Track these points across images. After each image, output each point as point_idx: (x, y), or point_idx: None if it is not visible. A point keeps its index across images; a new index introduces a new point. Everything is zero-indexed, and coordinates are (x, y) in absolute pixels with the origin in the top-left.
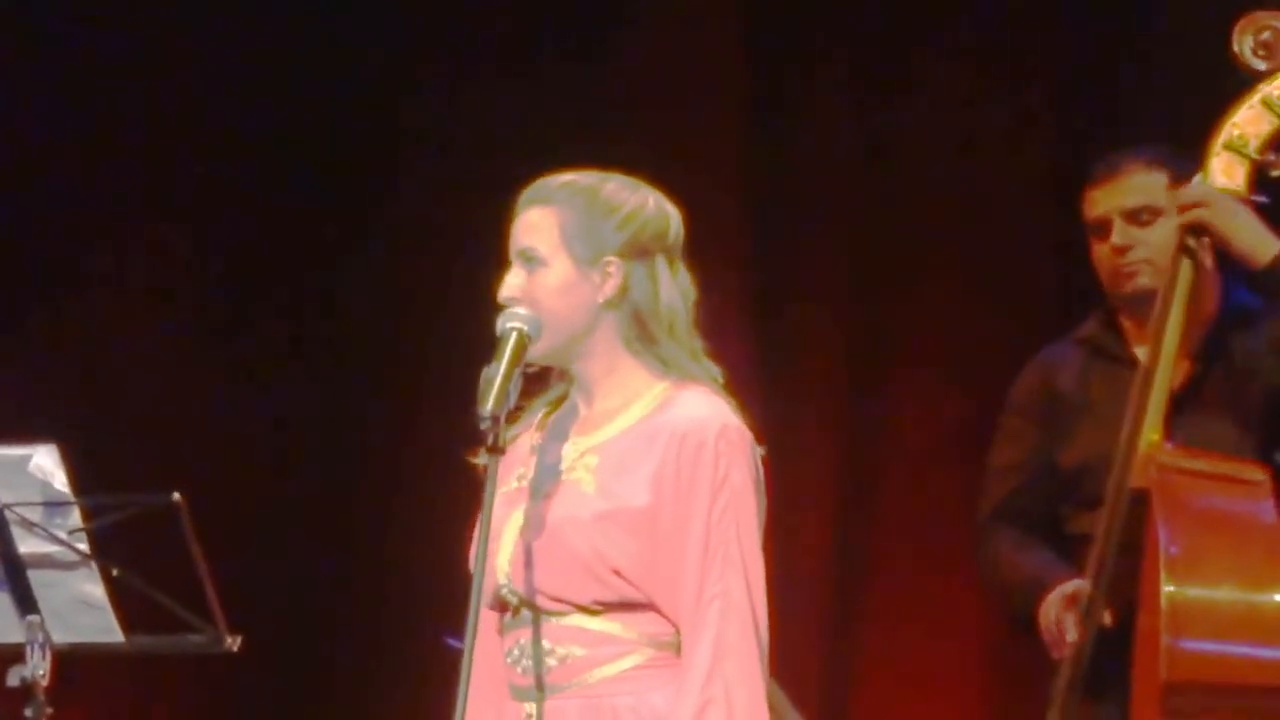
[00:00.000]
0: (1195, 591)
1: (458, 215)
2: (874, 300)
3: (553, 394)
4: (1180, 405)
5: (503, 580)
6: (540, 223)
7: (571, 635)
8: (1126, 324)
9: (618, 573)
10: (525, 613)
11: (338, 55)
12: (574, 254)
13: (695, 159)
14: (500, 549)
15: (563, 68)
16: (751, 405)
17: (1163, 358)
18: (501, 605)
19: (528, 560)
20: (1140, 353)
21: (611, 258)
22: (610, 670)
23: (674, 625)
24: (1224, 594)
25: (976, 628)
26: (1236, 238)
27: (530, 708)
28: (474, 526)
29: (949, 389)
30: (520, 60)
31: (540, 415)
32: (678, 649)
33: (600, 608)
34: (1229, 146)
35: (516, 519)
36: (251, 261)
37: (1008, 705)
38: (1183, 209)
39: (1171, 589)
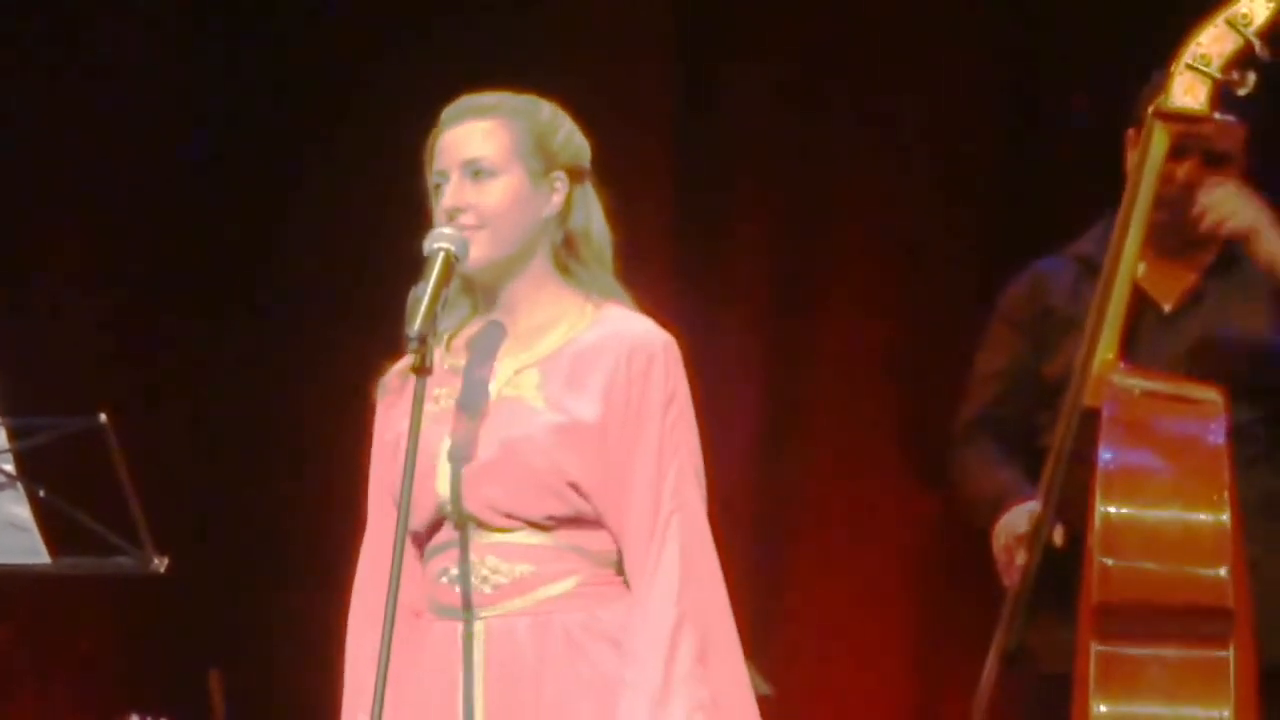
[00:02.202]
0: (1130, 510)
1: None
2: (797, 230)
3: (455, 315)
4: (1175, 319)
5: (445, 498)
6: (487, 134)
7: (519, 553)
8: None
9: (574, 486)
10: (467, 530)
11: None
12: (527, 166)
13: (622, 94)
14: (438, 469)
15: (489, 20)
16: (679, 324)
17: (1119, 276)
18: (435, 524)
19: (476, 477)
20: (1142, 275)
21: (559, 173)
22: (556, 589)
23: (615, 542)
24: (1159, 514)
25: (906, 544)
26: (1266, 248)
27: (474, 626)
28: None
29: (873, 307)
30: (448, 13)
31: (447, 337)
32: (618, 567)
33: (551, 523)
34: (1191, 66)
35: (452, 438)
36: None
37: (939, 622)
38: (1210, 225)
39: (1107, 508)
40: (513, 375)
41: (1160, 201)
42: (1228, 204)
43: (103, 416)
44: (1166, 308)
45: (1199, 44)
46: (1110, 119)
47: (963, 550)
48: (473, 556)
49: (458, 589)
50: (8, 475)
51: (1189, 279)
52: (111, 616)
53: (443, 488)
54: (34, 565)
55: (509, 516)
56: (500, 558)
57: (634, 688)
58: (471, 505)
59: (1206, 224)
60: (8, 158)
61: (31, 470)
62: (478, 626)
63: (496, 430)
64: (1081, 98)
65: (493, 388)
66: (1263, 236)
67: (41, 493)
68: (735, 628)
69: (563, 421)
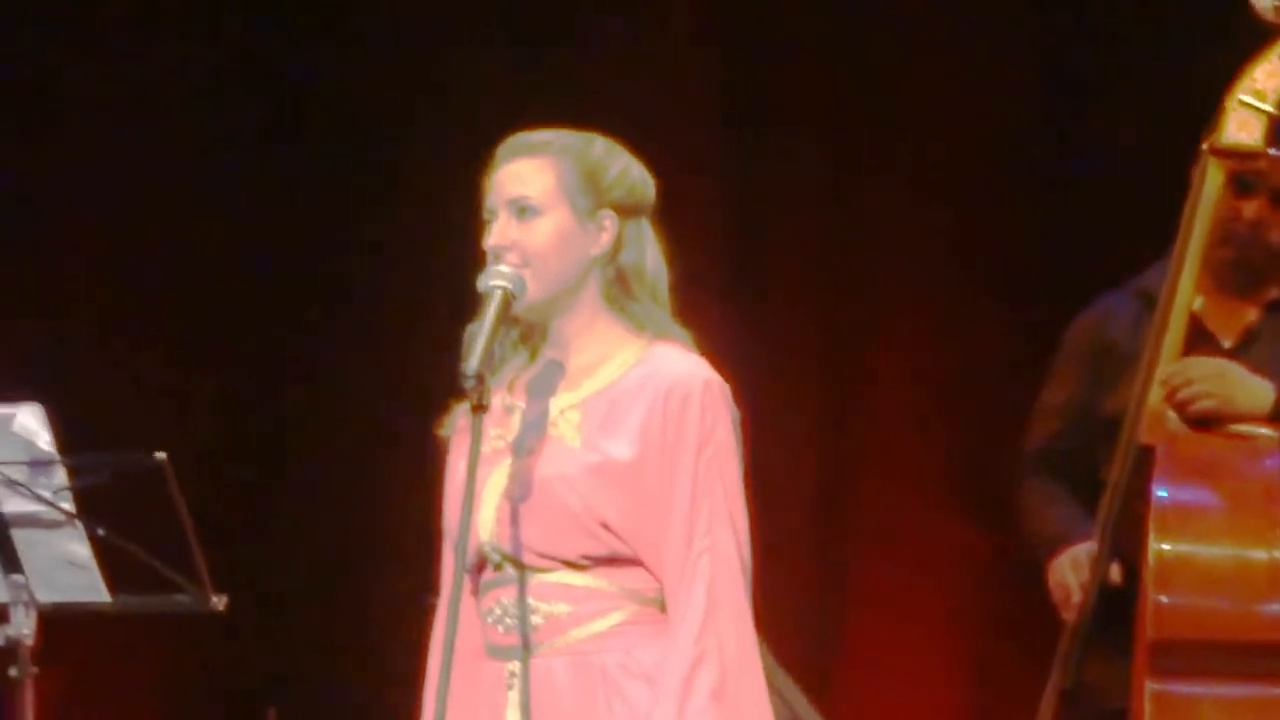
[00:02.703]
0: (1184, 547)
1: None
2: (855, 260)
3: (518, 358)
4: (1233, 356)
5: (486, 538)
6: (534, 172)
7: (557, 592)
8: None
9: (606, 526)
10: (508, 571)
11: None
12: (573, 205)
13: (671, 130)
14: (481, 507)
15: (535, 52)
16: (732, 363)
17: (1174, 312)
18: (480, 564)
19: (514, 517)
20: (1200, 309)
21: (608, 211)
22: (596, 627)
23: (657, 580)
24: (1214, 550)
25: (954, 584)
26: (1238, 404)
27: (513, 666)
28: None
29: (932, 346)
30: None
31: (510, 377)
32: (661, 605)
33: (587, 563)
34: (1245, 102)
35: (499, 477)
36: (239, 218)
37: (1002, 649)
38: (1178, 402)
39: (1160, 545)
40: (558, 415)
41: (1226, 239)
42: (1205, 384)
43: (162, 455)
44: (1226, 344)
45: (1254, 79)
46: (1164, 149)
47: (1021, 586)
48: (513, 596)
49: (502, 629)
50: (66, 514)
51: (1250, 316)
52: (169, 655)
53: (484, 527)
54: (93, 603)
55: (545, 556)
56: (538, 598)
57: None
58: (509, 545)
59: (1184, 395)
60: (48, 184)
61: (89, 508)
62: (520, 667)
63: (536, 470)
64: (1131, 125)
65: (544, 427)
66: (1228, 395)
67: (100, 531)
68: (759, 665)
69: (597, 461)
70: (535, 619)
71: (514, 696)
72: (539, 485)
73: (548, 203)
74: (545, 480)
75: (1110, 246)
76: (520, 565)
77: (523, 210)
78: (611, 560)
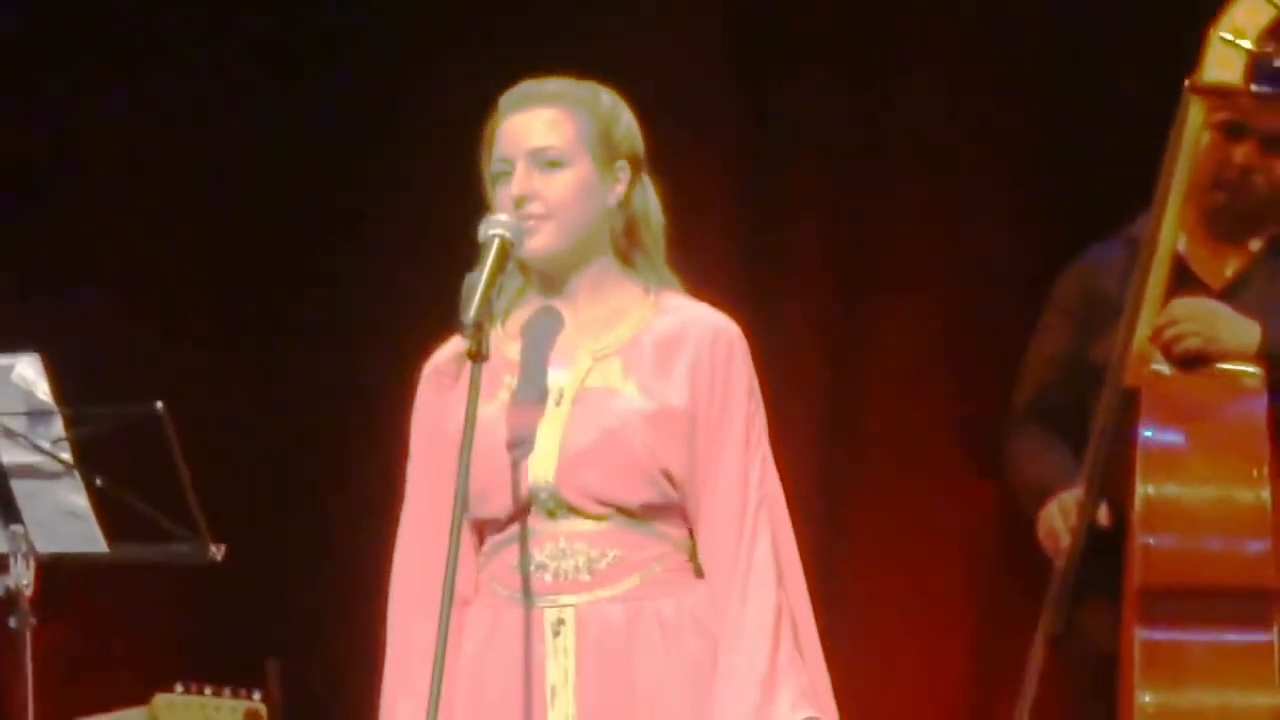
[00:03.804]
0: (1170, 489)
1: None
2: (853, 224)
3: (508, 294)
4: (1221, 300)
5: (542, 485)
6: (553, 123)
7: (612, 539)
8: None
9: (666, 473)
10: (562, 517)
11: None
12: (594, 156)
13: (679, 89)
14: (535, 456)
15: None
16: (738, 318)
17: (1157, 256)
18: (518, 512)
19: (572, 465)
20: (1188, 252)
21: (622, 163)
22: (646, 575)
23: (689, 528)
24: (1199, 492)
25: (963, 537)
26: (1224, 343)
27: (563, 613)
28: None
29: (932, 306)
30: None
31: (502, 315)
32: (691, 552)
33: (642, 511)
34: (1225, 39)
35: (550, 425)
36: (235, 175)
37: (997, 613)
38: (1164, 343)
39: (1147, 488)
40: (593, 364)
41: (1216, 184)
42: (1191, 323)
43: (159, 405)
44: (1214, 289)
45: (1233, 16)
46: (1165, 102)
47: (1021, 538)
48: (562, 544)
49: (548, 576)
50: (65, 464)
51: (1238, 261)
52: (168, 605)
53: (540, 474)
54: (92, 553)
55: (603, 503)
56: (590, 544)
57: (741, 675)
58: (568, 492)
59: (1169, 335)
60: (55, 148)
61: (88, 459)
62: (567, 614)
63: (591, 419)
64: (1131, 76)
65: (571, 377)
66: (1216, 335)
67: (99, 481)
68: (813, 617)
69: (656, 408)
70: (596, 566)
71: (561, 643)
72: (603, 434)
73: (571, 154)
74: (610, 429)
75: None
76: (575, 511)
77: (546, 161)
78: (662, 508)
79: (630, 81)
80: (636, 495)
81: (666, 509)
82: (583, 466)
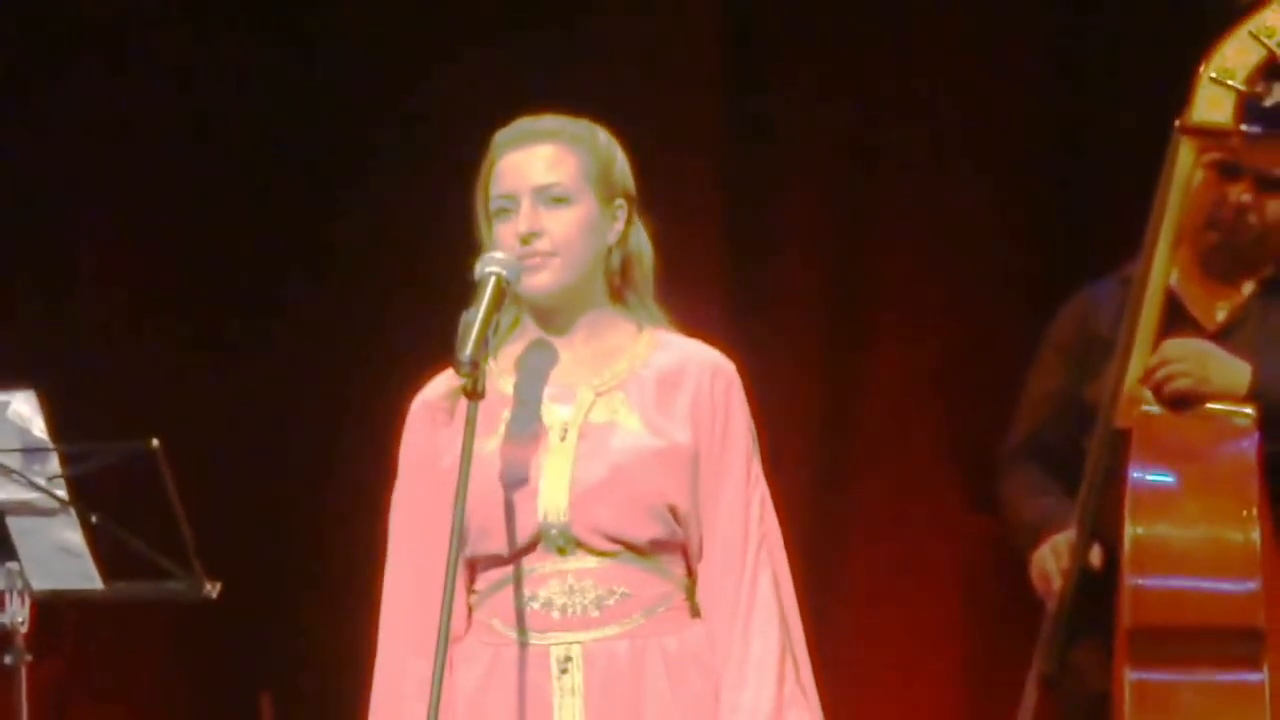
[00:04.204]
0: (1158, 530)
1: (429, 187)
2: (846, 256)
3: (500, 332)
4: (1216, 341)
5: (552, 521)
6: (556, 160)
7: (619, 576)
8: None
9: (673, 510)
10: (571, 554)
11: (315, 30)
12: (597, 192)
13: (670, 116)
14: (541, 492)
15: (533, 38)
16: (730, 353)
17: (1148, 296)
18: (524, 549)
19: (582, 501)
20: (1183, 292)
21: (620, 200)
22: (653, 611)
23: (688, 563)
24: (1188, 533)
25: (956, 569)
26: (1214, 384)
27: (570, 650)
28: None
29: (925, 337)
30: (491, 31)
31: (497, 356)
32: (690, 591)
33: (650, 547)
34: (1215, 79)
35: (557, 462)
36: (229, 213)
37: (989, 647)
38: (1155, 383)
39: (1136, 529)
40: (595, 399)
41: (1211, 223)
42: (1181, 364)
43: (154, 441)
44: (1210, 328)
45: (1223, 56)
46: (1161, 136)
47: (1014, 573)
48: (570, 581)
49: (555, 613)
50: (60, 501)
51: (1233, 301)
52: (163, 641)
53: (550, 510)
54: (87, 590)
55: (612, 540)
56: (598, 581)
57: (747, 712)
58: (579, 528)
59: (1159, 376)
60: (47, 169)
61: (83, 496)
62: (574, 650)
63: (599, 454)
64: (1130, 113)
65: (573, 413)
66: (1206, 376)
67: (94, 518)
68: (805, 649)
69: (663, 445)
70: (608, 602)
71: (568, 681)
72: (612, 469)
73: (576, 190)
74: (620, 465)
75: (1120, 237)
76: (583, 547)
77: (552, 198)
78: (667, 545)
79: (618, 109)
80: (645, 531)
81: (671, 546)
82: (594, 503)
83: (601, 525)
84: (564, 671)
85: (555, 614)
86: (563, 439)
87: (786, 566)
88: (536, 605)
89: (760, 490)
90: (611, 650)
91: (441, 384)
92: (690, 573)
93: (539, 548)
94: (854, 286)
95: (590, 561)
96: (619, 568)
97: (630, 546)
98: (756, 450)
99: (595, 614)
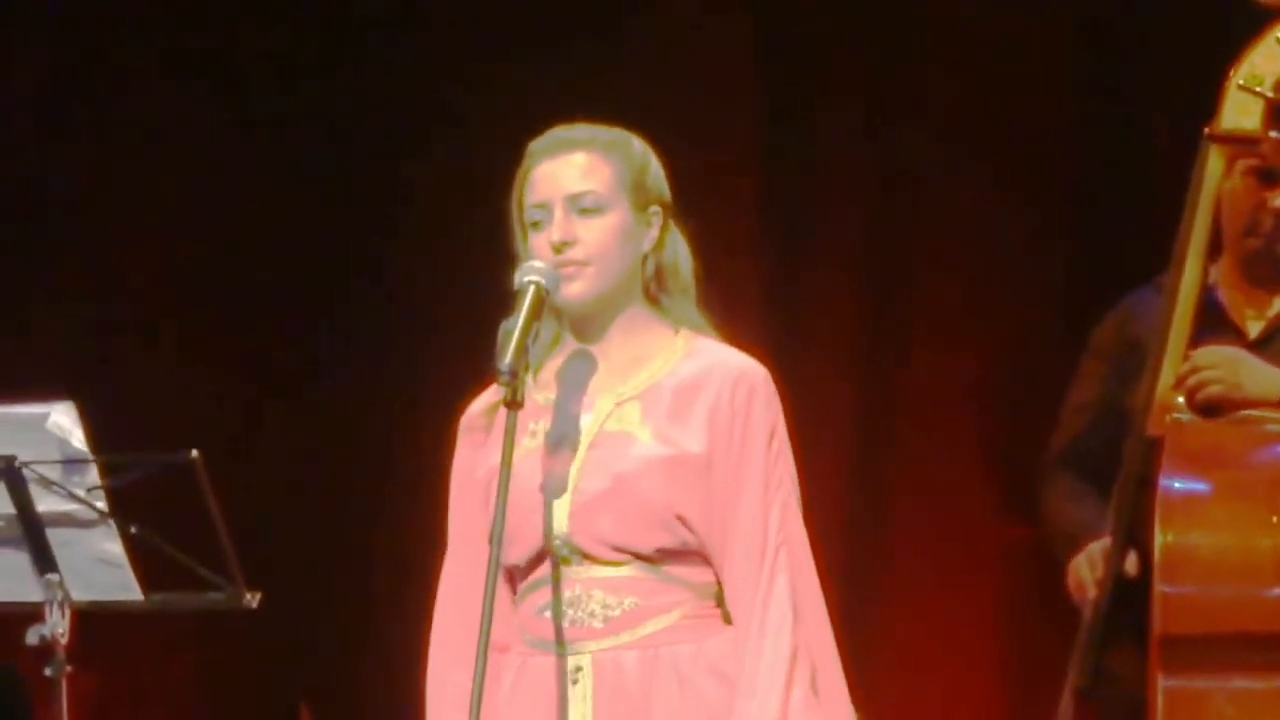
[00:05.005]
0: (1189, 538)
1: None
2: (883, 265)
3: (542, 343)
4: (1257, 348)
5: (558, 532)
6: (590, 169)
7: (626, 586)
8: (1215, 270)
9: (681, 519)
10: (576, 565)
11: (361, 36)
12: (631, 200)
13: (712, 128)
14: (547, 503)
15: (575, 49)
16: (766, 360)
17: (1179, 302)
18: (536, 559)
19: (585, 512)
20: (1227, 300)
21: (656, 208)
22: (662, 622)
23: (715, 572)
24: (1218, 539)
25: (994, 577)
26: (1246, 390)
27: (580, 660)
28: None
29: (961, 338)
30: (535, 43)
31: (534, 366)
32: (718, 598)
33: (659, 556)
34: (1243, 86)
35: (564, 473)
36: (270, 219)
37: (1026, 654)
38: (1187, 392)
39: (1166, 537)
40: (614, 409)
41: (1252, 229)
42: (1213, 370)
43: (194, 452)
44: (1251, 335)
45: (1251, 64)
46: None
47: (1052, 582)
48: (579, 590)
49: (566, 623)
50: (100, 512)
51: (1275, 307)
52: (202, 652)
53: (553, 522)
54: (127, 601)
55: (618, 550)
56: (607, 591)
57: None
58: (581, 539)
59: (1191, 383)
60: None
61: (122, 507)
62: (584, 660)
63: (605, 464)
64: (1162, 124)
65: (591, 421)
66: (1241, 382)
67: (133, 529)
68: (837, 655)
69: (670, 454)
70: (610, 613)
71: (579, 690)
72: (615, 479)
73: (610, 199)
74: (622, 474)
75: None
76: (589, 558)
77: (585, 207)
78: (680, 553)
79: (659, 121)
80: (650, 541)
81: (685, 555)
82: (595, 513)
83: (605, 535)
84: (575, 682)
85: (566, 624)
86: (575, 449)
87: (811, 572)
88: (550, 615)
89: (782, 496)
90: (620, 660)
91: (484, 399)
92: (719, 580)
93: (550, 559)
94: (890, 298)
95: (599, 571)
96: (628, 577)
97: (639, 556)
98: (783, 457)
99: (600, 625)
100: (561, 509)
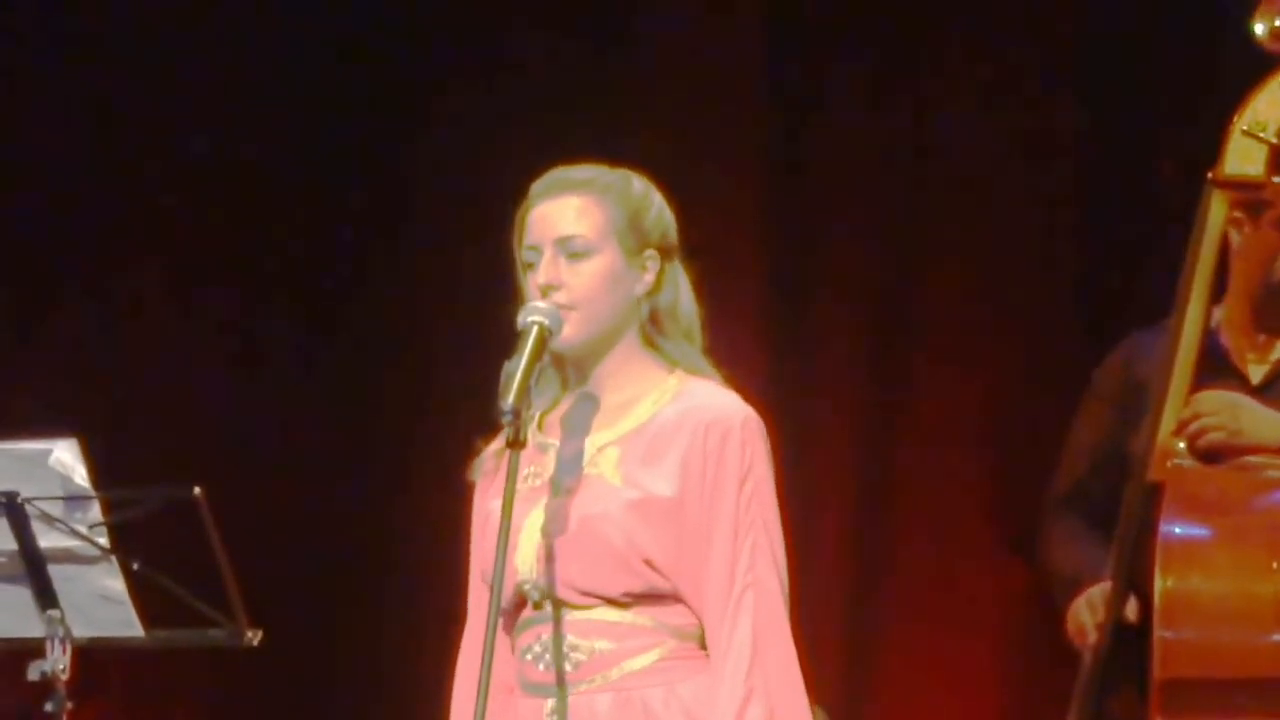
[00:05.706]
0: (1189, 583)
1: (472, 211)
2: (890, 289)
3: (549, 395)
4: (1261, 394)
5: (525, 576)
6: (582, 211)
7: (598, 629)
8: (1219, 314)
9: (648, 563)
10: (547, 608)
11: (358, 48)
12: (622, 245)
13: (715, 153)
14: (519, 546)
15: (579, 61)
16: (770, 396)
17: (1181, 348)
18: (519, 602)
19: (554, 555)
20: (1231, 345)
21: (651, 252)
22: (637, 663)
23: (696, 616)
24: (1219, 586)
25: (996, 617)
26: (1248, 436)
27: (552, 703)
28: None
29: (965, 375)
30: (537, 54)
31: (539, 415)
32: (699, 640)
33: (629, 600)
34: (1247, 132)
35: (536, 516)
36: (266, 256)
37: (1027, 696)
38: (1189, 437)
39: (1166, 582)
40: (595, 453)
41: (1267, 279)
42: (1215, 416)
43: (196, 489)
44: (1253, 380)
45: (1255, 109)
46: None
47: (1054, 619)
48: (551, 634)
49: (541, 666)
50: (102, 549)
51: (1277, 352)
52: (206, 688)
53: (523, 566)
54: (128, 638)
55: (586, 594)
56: (579, 635)
57: None
58: (550, 583)
59: (1193, 428)
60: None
61: (124, 543)
62: (559, 704)
63: (576, 508)
64: (1170, 163)
65: (575, 465)
66: (1244, 428)
67: (135, 566)
68: (806, 704)
69: (636, 498)
70: (577, 656)
71: None
72: (580, 523)
73: (598, 242)
74: (587, 518)
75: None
76: (560, 603)
77: (574, 251)
78: (651, 597)
79: (661, 152)
80: (617, 585)
81: (658, 598)
82: (562, 558)
83: (572, 580)
84: None
85: (541, 667)
86: (554, 493)
87: (778, 615)
88: (529, 658)
89: (752, 539)
90: (593, 705)
91: (496, 442)
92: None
93: (526, 602)
94: (896, 330)
95: (570, 615)
96: (598, 621)
97: (607, 600)
98: (757, 500)
99: (573, 667)
100: (528, 552)
